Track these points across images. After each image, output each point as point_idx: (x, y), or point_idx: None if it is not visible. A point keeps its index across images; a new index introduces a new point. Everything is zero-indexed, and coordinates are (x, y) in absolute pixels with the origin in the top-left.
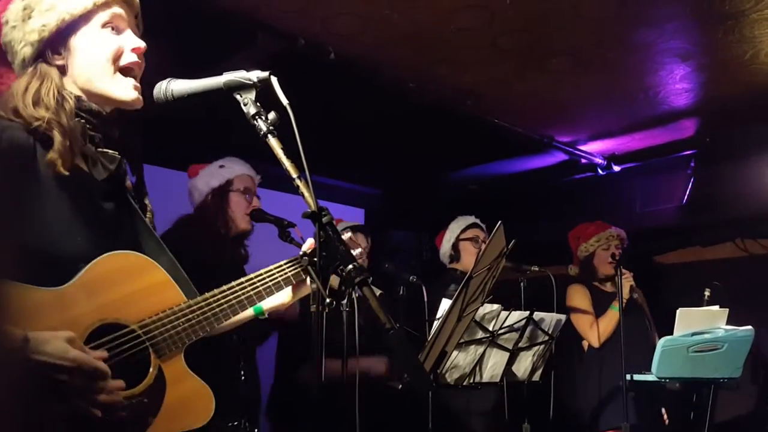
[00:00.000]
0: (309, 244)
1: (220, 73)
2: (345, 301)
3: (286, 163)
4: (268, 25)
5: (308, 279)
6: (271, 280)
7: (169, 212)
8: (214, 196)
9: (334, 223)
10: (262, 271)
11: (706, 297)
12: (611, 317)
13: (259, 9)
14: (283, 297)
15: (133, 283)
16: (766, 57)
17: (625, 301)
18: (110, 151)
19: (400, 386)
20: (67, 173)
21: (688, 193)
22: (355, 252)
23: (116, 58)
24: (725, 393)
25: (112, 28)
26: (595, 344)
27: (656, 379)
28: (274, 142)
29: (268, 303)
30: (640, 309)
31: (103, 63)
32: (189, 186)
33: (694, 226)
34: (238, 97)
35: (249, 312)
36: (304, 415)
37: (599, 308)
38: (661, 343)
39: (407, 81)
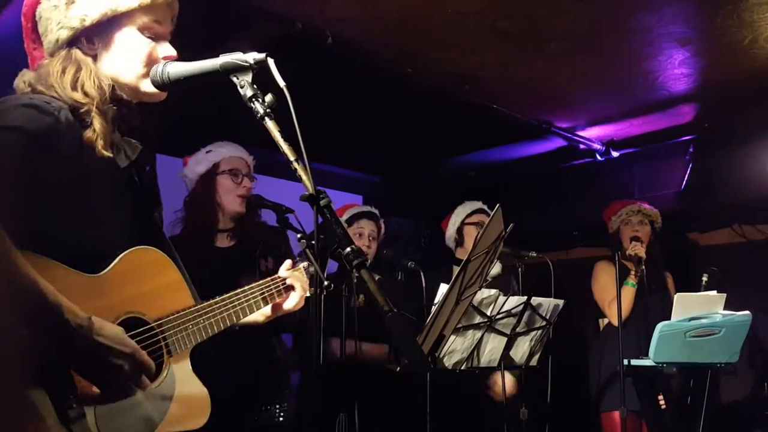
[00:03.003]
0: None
1: (217, 56)
2: (344, 285)
3: (284, 146)
4: (264, 9)
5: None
6: (260, 294)
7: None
8: (203, 182)
9: (332, 206)
10: (252, 285)
11: (703, 282)
12: (626, 294)
13: None
14: (258, 316)
15: (155, 280)
16: (766, 41)
17: (635, 273)
18: (133, 140)
19: (398, 369)
20: (108, 155)
21: (686, 178)
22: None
23: (148, 63)
24: (723, 378)
25: (150, 33)
26: (615, 322)
27: (653, 363)
28: (271, 125)
29: (247, 318)
30: (665, 291)
31: (135, 64)
32: (182, 177)
33: (693, 212)
34: (234, 79)
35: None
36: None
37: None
38: (659, 328)
39: (405, 66)
